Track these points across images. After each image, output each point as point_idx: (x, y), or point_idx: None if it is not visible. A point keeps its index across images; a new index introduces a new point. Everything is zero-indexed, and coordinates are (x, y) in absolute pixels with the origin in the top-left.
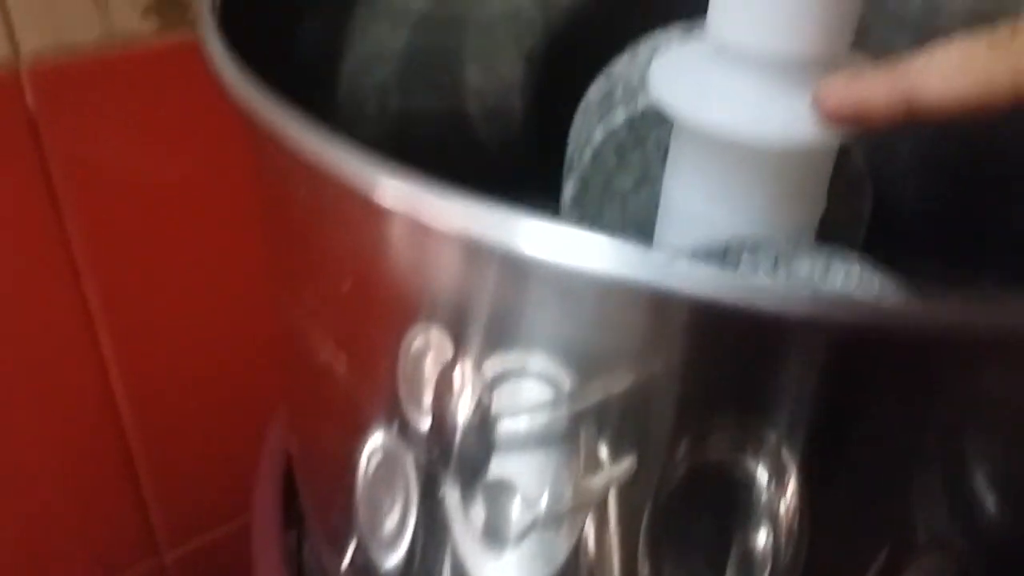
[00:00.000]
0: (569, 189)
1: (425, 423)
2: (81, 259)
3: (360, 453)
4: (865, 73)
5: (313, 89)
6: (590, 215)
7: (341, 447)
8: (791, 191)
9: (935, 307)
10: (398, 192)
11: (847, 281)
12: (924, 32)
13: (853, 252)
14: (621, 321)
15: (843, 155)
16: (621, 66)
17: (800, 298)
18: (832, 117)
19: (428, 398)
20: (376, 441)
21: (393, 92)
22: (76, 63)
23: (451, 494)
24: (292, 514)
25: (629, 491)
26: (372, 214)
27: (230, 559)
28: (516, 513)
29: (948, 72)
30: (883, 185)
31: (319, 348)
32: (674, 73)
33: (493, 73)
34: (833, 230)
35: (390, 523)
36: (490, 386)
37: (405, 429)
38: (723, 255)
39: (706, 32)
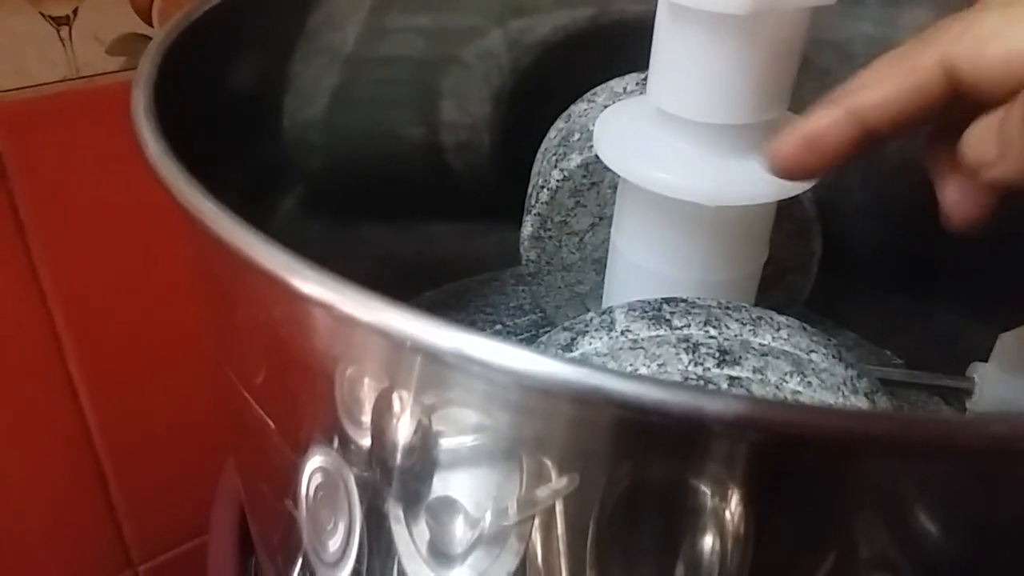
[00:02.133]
0: (527, 227)
1: (366, 443)
2: (48, 284)
3: (302, 474)
4: (808, 111)
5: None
6: (548, 252)
7: (282, 468)
8: (731, 244)
9: (827, 416)
10: (311, 289)
11: (775, 339)
12: (865, 62)
13: (782, 314)
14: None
15: (793, 202)
16: (580, 110)
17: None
18: (789, 161)
19: (368, 419)
20: (317, 462)
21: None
22: (41, 99)
23: (395, 513)
24: (251, 537)
25: (573, 504)
26: (287, 300)
27: (201, 571)
28: (460, 529)
29: (880, 76)
30: (840, 224)
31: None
32: (618, 131)
33: (465, 110)
34: (786, 272)
35: (334, 543)
36: (429, 411)
37: (346, 450)
38: (658, 313)
39: (648, 95)
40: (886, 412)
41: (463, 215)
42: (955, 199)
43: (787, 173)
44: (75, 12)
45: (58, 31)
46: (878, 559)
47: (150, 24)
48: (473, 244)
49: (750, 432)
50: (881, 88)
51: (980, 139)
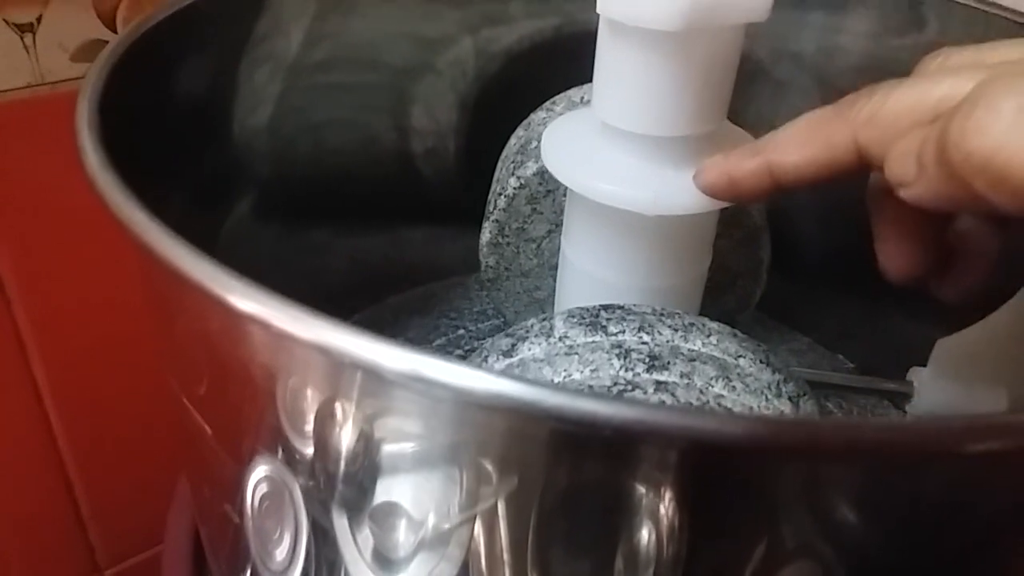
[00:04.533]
0: (486, 233)
1: (309, 452)
2: (12, 290)
3: (247, 484)
4: (736, 150)
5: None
6: (506, 258)
7: (227, 478)
8: (673, 250)
9: (754, 425)
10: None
11: (704, 345)
12: (821, 72)
13: (713, 321)
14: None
15: (742, 211)
16: (539, 119)
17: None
18: (709, 191)
19: (310, 428)
20: (262, 472)
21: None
22: (5, 105)
23: (339, 520)
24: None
25: (514, 504)
26: (224, 316)
27: None
28: (403, 534)
29: (800, 140)
30: (793, 229)
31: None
32: (564, 142)
33: (432, 116)
34: (737, 278)
35: (281, 552)
36: (370, 419)
37: (290, 459)
38: (595, 319)
39: (592, 108)
40: (777, 418)
41: (431, 220)
42: (891, 254)
43: (709, 195)
44: (39, 19)
45: (22, 38)
46: (802, 552)
47: (114, 31)
48: (440, 249)
49: (653, 439)
50: (799, 152)
51: (900, 159)
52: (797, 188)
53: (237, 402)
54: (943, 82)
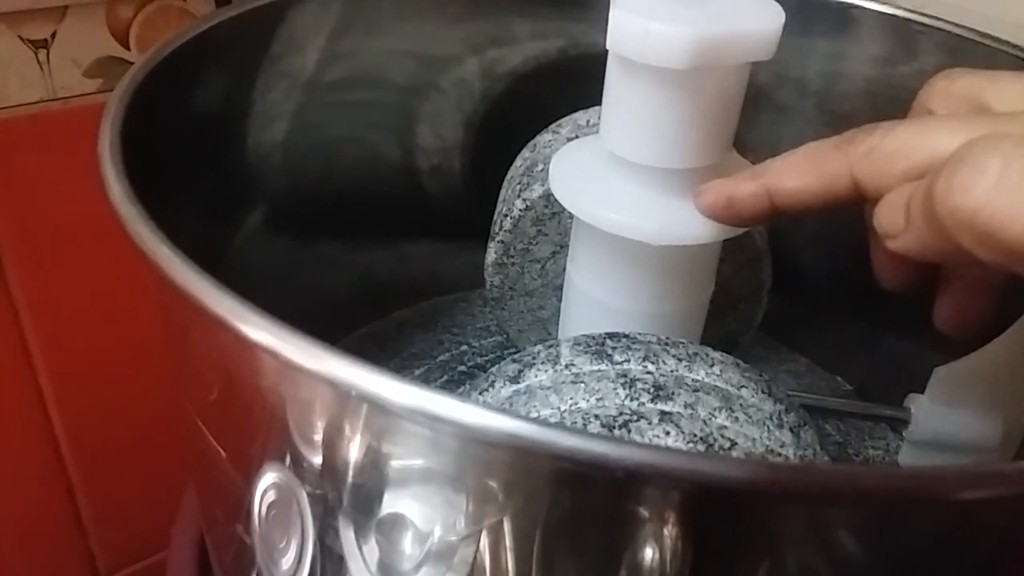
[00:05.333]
0: (491, 253)
1: (318, 463)
2: (21, 301)
3: (255, 495)
4: (736, 175)
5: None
6: (511, 278)
7: (235, 491)
8: (677, 278)
9: (751, 469)
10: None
11: (708, 375)
12: (822, 97)
13: (716, 350)
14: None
15: (744, 236)
16: (544, 140)
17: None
18: (709, 212)
19: (319, 440)
20: (270, 481)
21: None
22: (19, 120)
23: (345, 531)
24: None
25: (519, 520)
26: (236, 343)
27: None
28: (409, 546)
29: (799, 167)
30: (794, 253)
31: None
32: (572, 170)
33: (438, 134)
34: (739, 301)
35: (287, 562)
36: (378, 436)
37: (299, 470)
38: (600, 347)
39: (599, 138)
40: (777, 463)
41: (436, 236)
42: (884, 265)
43: (708, 216)
44: (53, 35)
45: (36, 54)
46: None
47: (127, 48)
48: (445, 265)
49: (655, 481)
50: (797, 179)
51: (888, 212)
52: (795, 213)
53: (246, 418)
54: (939, 130)
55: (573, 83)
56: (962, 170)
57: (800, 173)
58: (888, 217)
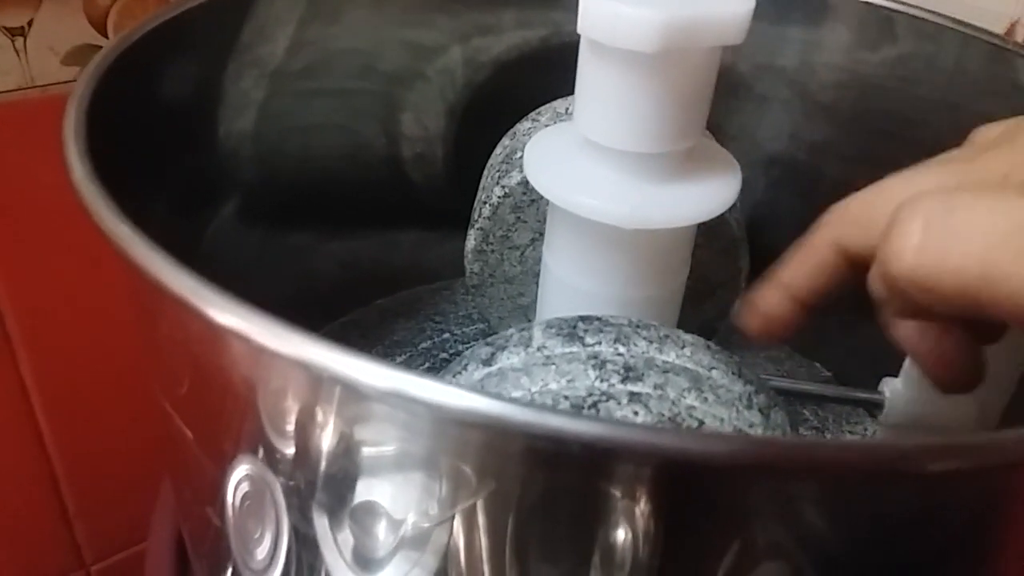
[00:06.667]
0: (471, 241)
1: (290, 452)
2: (0, 290)
3: (228, 484)
4: (759, 289)
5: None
6: (491, 265)
7: (207, 479)
8: (651, 262)
9: (719, 443)
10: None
11: (678, 357)
12: (802, 85)
13: (688, 333)
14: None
15: (721, 223)
16: (524, 128)
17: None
18: (755, 335)
19: (291, 429)
20: (243, 472)
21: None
22: None
23: (319, 520)
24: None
25: (492, 504)
26: (204, 328)
27: None
28: (383, 533)
29: (801, 256)
30: (771, 240)
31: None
32: (546, 156)
33: (421, 123)
34: (716, 288)
35: (261, 551)
36: (351, 422)
37: (271, 459)
38: (573, 330)
39: (573, 123)
40: (735, 436)
41: (418, 224)
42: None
43: (756, 340)
44: (30, 23)
45: (13, 41)
46: (770, 559)
47: (105, 35)
48: (427, 253)
49: (619, 455)
50: (804, 268)
51: (871, 283)
52: (824, 301)
53: (218, 406)
54: (894, 186)
55: (556, 72)
56: (892, 236)
57: (804, 262)
58: (873, 287)
